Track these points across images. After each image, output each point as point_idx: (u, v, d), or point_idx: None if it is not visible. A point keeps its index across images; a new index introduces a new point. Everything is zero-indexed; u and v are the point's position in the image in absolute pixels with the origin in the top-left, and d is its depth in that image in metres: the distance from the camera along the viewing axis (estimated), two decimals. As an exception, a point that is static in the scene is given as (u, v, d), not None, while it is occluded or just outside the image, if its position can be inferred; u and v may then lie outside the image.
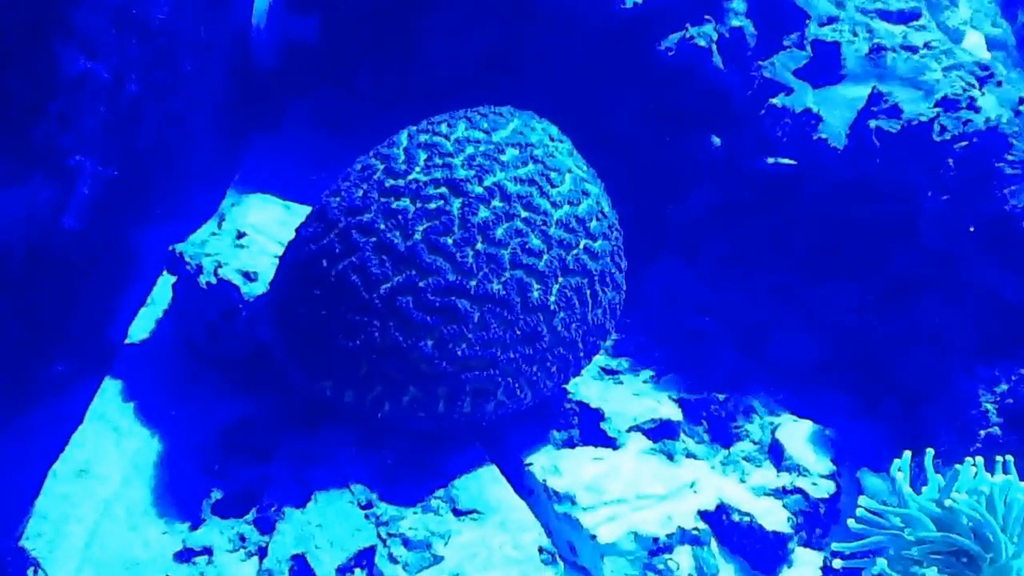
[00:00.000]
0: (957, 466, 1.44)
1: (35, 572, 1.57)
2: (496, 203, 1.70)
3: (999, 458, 1.45)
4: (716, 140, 2.13)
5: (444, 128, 1.76)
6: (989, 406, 1.68)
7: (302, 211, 2.09)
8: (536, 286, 1.68)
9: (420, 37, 2.44)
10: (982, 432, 1.65)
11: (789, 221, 2.06)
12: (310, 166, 2.47)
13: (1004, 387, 1.69)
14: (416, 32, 2.46)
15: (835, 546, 1.50)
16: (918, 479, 1.48)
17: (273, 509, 1.68)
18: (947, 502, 1.39)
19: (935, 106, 1.81)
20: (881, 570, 1.39)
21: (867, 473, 1.80)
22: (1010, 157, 1.67)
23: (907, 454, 1.47)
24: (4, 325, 1.67)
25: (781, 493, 1.79)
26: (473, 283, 1.66)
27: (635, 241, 1.95)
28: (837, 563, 1.62)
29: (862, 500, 1.48)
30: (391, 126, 1.91)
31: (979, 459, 1.43)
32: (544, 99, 2.04)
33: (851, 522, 1.47)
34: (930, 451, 1.50)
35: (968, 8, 2.56)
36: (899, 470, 1.45)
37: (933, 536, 1.40)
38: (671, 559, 1.69)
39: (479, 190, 1.70)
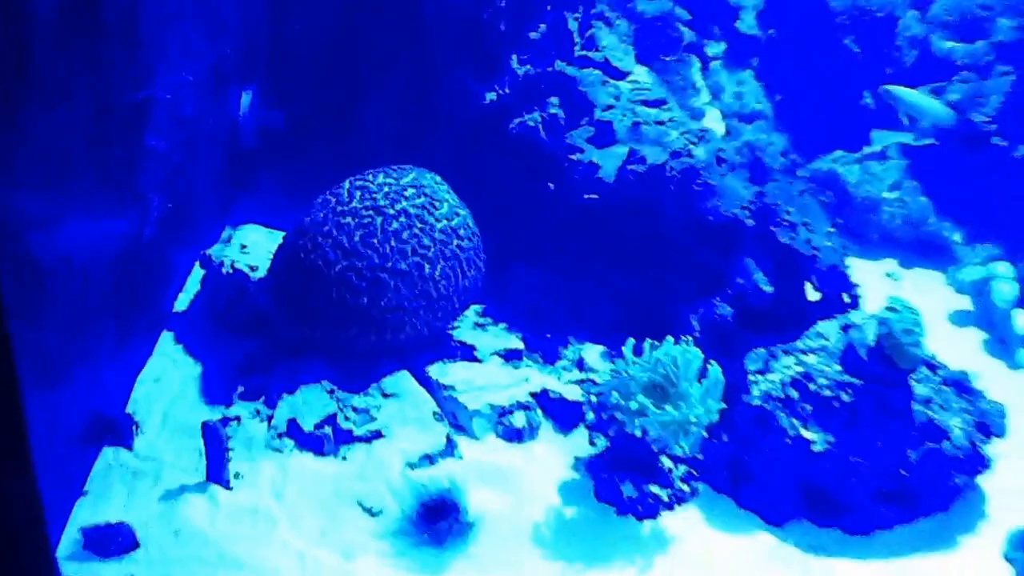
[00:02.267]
0: (658, 343, 2.63)
1: (135, 427, 2.68)
2: (402, 219, 2.89)
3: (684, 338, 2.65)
4: (559, 184, 3.34)
5: (370, 177, 2.96)
6: (694, 322, 2.89)
7: (278, 235, 3.24)
8: (427, 265, 2.88)
9: (355, 124, 3.62)
10: (690, 336, 2.85)
11: (594, 231, 3.26)
12: (278, 211, 3.63)
13: (701, 311, 2.90)
14: (352, 120, 3.64)
15: (593, 389, 2.68)
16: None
17: (275, 396, 2.82)
18: (653, 355, 2.57)
19: (668, 155, 3.05)
20: (615, 399, 2.58)
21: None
22: (699, 181, 2.91)
23: (631, 340, 2.67)
24: (113, 297, 2.79)
25: (579, 383, 2.97)
26: (390, 264, 2.85)
27: (503, 250, 3.15)
28: (593, 399, 2.79)
29: (609, 366, 2.68)
30: (335, 181, 3.09)
31: (670, 337, 2.63)
32: (440, 161, 3.24)
33: (602, 374, 2.66)
34: (648, 340, 2.69)
35: (707, 94, 3.85)
36: (625, 346, 2.65)
37: (641, 377, 2.59)
38: (511, 417, 2.86)
39: (392, 212, 2.90)
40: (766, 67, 4.55)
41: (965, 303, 3.77)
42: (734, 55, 4.50)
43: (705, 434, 2.59)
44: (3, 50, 1.91)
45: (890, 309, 2.65)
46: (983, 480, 2.87)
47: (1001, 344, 3.61)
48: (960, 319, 3.78)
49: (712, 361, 2.65)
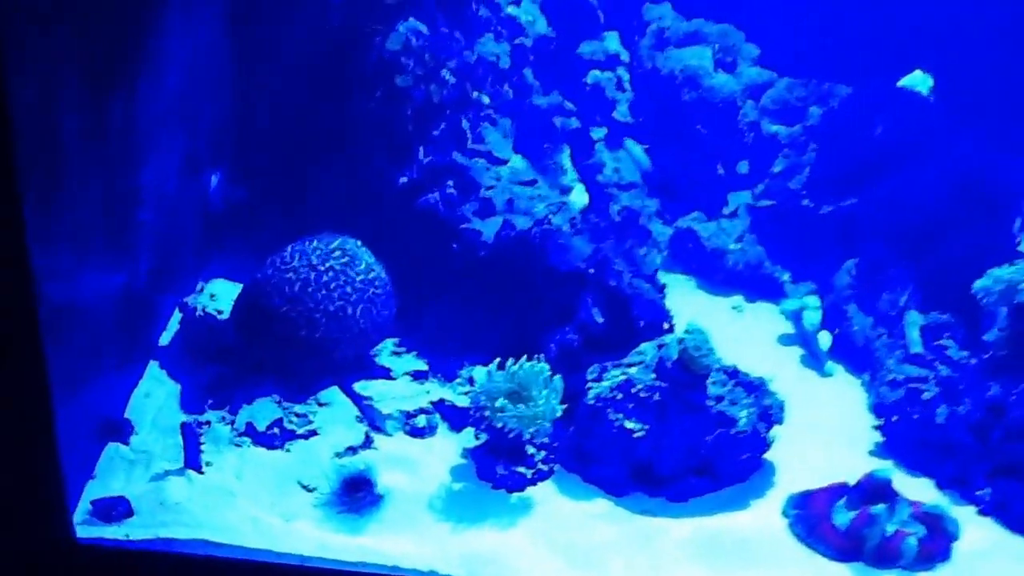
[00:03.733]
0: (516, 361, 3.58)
1: (133, 428, 3.58)
2: (330, 273, 3.83)
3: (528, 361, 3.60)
4: (455, 246, 4.29)
5: (307, 243, 3.86)
6: (552, 345, 3.84)
7: (239, 286, 4.14)
8: (349, 308, 3.82)
9: (305, 198, 4.51)
10: (543, 355, 3.78)
11: (481, 280, 4.17)
12: (242, 267, 4.50)
13: (557, 338, 3.86)
14: (303, 195, 4.53)
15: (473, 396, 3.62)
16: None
17: (237, 406, 3.75)
18: (512, 369, 3.52)
19: (532, 223, 4.03)
20: (483, 401, 3.51)
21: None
22: (553, 242, 3.88)
23: (497, 359, 3.61)
24: (114, 333, 3.69)
25: (468, 394, 3.89)
26: (321, 307, 3.79)
27: (415, 295, 4.10)
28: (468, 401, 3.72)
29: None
30: (285, 244, 4.04)
31: (528, 358, 3.58)
32: (368, 228, 4.17)
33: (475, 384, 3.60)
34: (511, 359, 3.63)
35: (574, 173, 4.86)
36: (490, 365, 3.59)
37: (503, 386, 3.53)
38: (416, 420, 3.79)
39: (322, 268, 3.83)
40: (639, 143, 5.56)
41: (789, 327, 4.72)
42: (613, 138, 5.51)
43: (549, 426, 3.51)
44: (40, 157, 2.75)
45: (687, 332, 3.61)
46: (774, 458, 3.77)
47: (813, 358, 4.56)
48: (785, 340, 4.72)
49: (558, 374, 3.60)
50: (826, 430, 4.03)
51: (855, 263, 4.78)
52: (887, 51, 5.23)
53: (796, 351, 4.67)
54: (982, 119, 5.01)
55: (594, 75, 5.43)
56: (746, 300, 5.10)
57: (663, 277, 4.96)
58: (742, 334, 4.78)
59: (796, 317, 4.73)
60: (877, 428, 4.05)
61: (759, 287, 5.12)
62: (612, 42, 5.54)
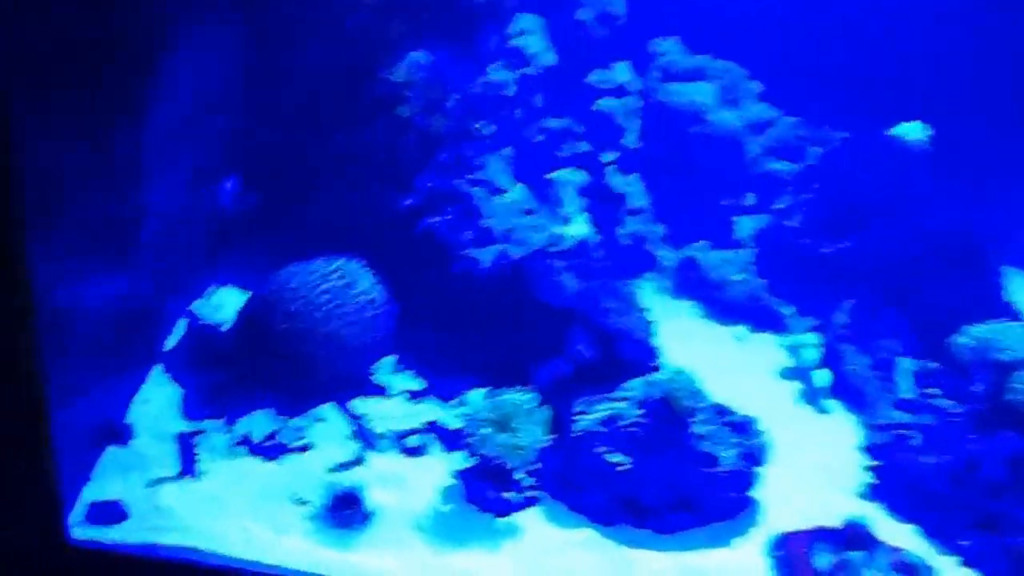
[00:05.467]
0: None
1: (132, 432, 3.66)
2: (329, 294, 3.92)
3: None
4: (455, 269, 4.34)
5: (308, 264, 3.98)
6: (544, 374, 3.91)
7: (246, 295, 4.24)
8: (345, 328, 3.90)
9: (313, 213, 4.60)
10: (532, 385, 3.85)
11: (479, 307, 4.25)
12: (251, 274, 4.57)
13: (549, 369, 3.93)
14: (311, 210, 4.62)
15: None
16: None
17: (234, 417, 3.82)
18: (498, 399, 3.59)
19: (528, 253, 4.09)
20: (469, 428, 3.58)
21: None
22: (547, 276, 3.96)
23: (486, 388, 3.68)
24: (117, 340, 3.78)
25: (462, 416, 3.96)
26: (321, 327, 3.87)
27: (416, 315, 4.17)
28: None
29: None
30: (295, 254, 4.12)
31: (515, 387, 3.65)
32: (371, 248, 4.26)
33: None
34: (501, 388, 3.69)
35: (575, 203, 4.94)
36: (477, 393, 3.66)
37: (488, 416, 3.59)
38: (409, 439, 3.86)
39: (321, 288, 3.92)
40: (647, 172, 5.63)
41: (790, 361, 4.77)
42: (623, 162, 5.58)
43: (531, 456, 3.58)
44: (45, 184, 2.86)
45: (674, 373, 3.68)
46: (763, 495, 3.80)
47: (812, 394, 4.61)
48: (786, 374, 4.77)
49: (547, 403, 3.67)
50: (818, 469, 4.08)
51: (852, 304, 4.82)
52: (888, 96, 5.30)
53: (795, 385, 4.73)
54: (972, 170, 5.10)
55: (603, 103, 5.49)
56: (749, 331, 5.16)
57: (668, 304, 5.11)
58: (743, 365, 4.86)
59: (795, 353, 4.79)
60: (867, 469, 4.08)
61: (761, 319, 5.19)
62: (622, 72, 5.60)
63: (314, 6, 4.43)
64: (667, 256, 5.49)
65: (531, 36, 5.19)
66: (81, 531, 3.31)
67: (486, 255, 4.06)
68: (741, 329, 5.17)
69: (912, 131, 5.01)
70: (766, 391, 4.58)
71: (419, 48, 4.42)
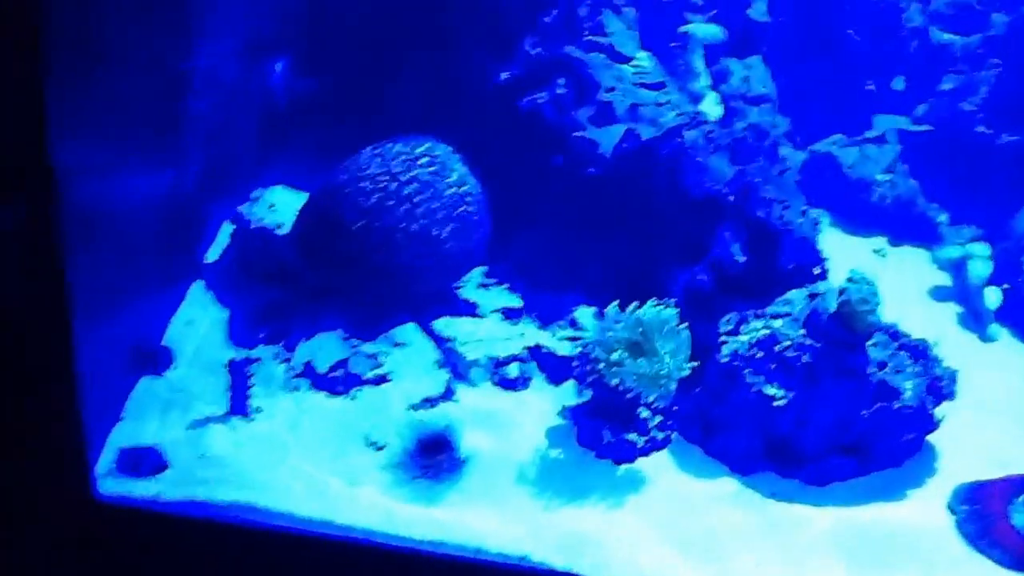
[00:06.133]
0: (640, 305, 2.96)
1: (172, 359, 3.06)
2: (415, 185, 3.24)
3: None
4: (564, 158, 3.65)
5: (388, 146, 3.30)
6: (677, 287, 3.21)
7: (304, 195, 3.58)
8: (435, 227, 3.22)
9: (384, 95, 3.91)
10: (671, 299, 3.16)
11: (594, 202, 3.58)
12: (307, 173, 3.95)
13: (684, 278, 3.22)
14: (381, 91, 3.93)
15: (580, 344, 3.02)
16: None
17: (294, 341, 3.19)
18: (635, 315, 2.91)
19: (660, 134, 3.36)
20: (597, 353, 2.91)
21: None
22: (686, 160, 3.22)
23: (615, 301, 3.00)
24: (154, 243, 3.16)
25: (571, 339, 3.31)
26: (403, 224, 3.19)
27: (511, 216, 3.48)
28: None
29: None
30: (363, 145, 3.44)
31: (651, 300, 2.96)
32: (458, 132, 3.56)
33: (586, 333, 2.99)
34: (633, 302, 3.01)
35: (707, 78, 4.15)
36: (608, 307, 2.97)
37: (622, 335, 2.92)
38: (507, 369, 3.21)
39: (405, 178, 3.24)
40: (774, 53, 4.82)
41: (946, 280, 4.04)
42: (745, 42, 4.77)
43: (674, 388, 2.92)
44: (70, 33, 2.29)
45: (850, 280, 2.95)
46: (934, 438, 3.18)
47: (975, 318, 3.90)
48: (940, 294, 4.07)
49: (685, 323, 2.98)
50: (996, 407, 3.41)
51: (1041, 207, 4.03)
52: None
53: (953, 309, 3.99)
54: None
55: (727, -41, 4.67)
56: (890, 243, 4.41)
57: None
58: (886, 285, 4.03)
59: (957, 268, 4.05)
60: (1055, 410, 3.35)
61: (909, 228, 4.41)
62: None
63: None
64: (791, 154, 4.71)
65: None
66: (111, 483, 2.73)
67: (606, 137, 3.34)
68: (881, 241, 4.41)
69: None
70: (918, 317, 3.78)
71: None
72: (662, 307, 2.94)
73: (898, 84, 4.73)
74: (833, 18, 4.72)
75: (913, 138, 4.53)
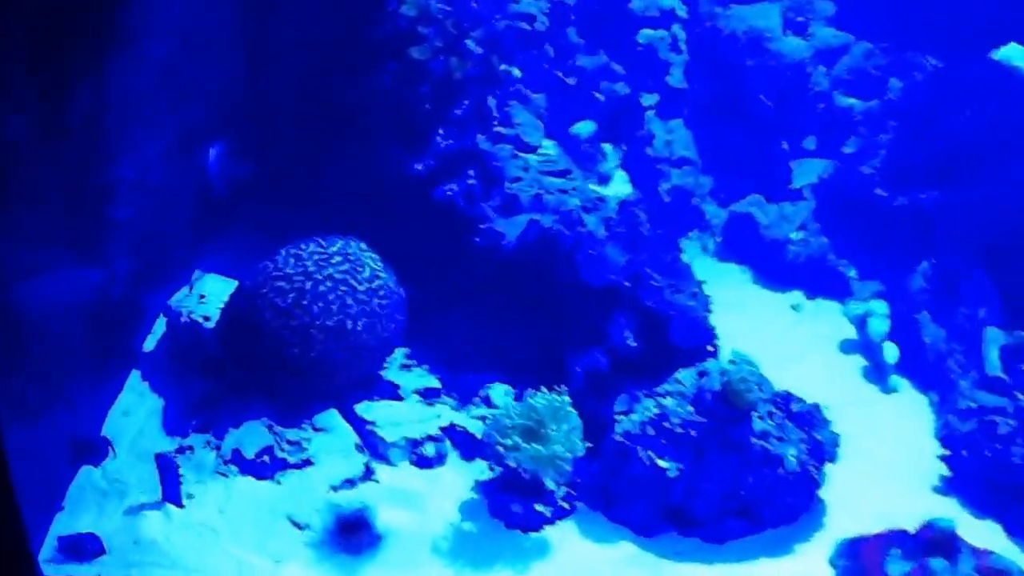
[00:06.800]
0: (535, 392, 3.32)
1: (111, 447, 3.38)
2: (329, 283, 3.59)
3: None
4: (476, 239, 3.99)
5: (303, 246, 3.65)
6: (578, 369, 3.57)
7: (234, 284, 3.92)
8: (350, 322, 3.57)
9: (317, 182, 4.22)
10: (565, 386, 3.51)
11: (503, 288, 3.90)
12: (246, 256, 4.24)
13: (584, 360, 3.59)
14: (315, 178, 4.24)
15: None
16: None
17: (223, 430, 3.53)
18: (529, 402, 3.27)
19: (562, 224, 3.73)
20: (495, 438, 3.27)
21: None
22: (585, 250, 3.59)
23: (511, 388, 3.36)
24: (87, 343, 3.49)
25: (482, 419, 3.66)
26: (318, 322, 3.55)
27: (429, 298, 3.83)
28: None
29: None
30: (301, 230, 3.76)
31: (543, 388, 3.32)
32: (379, 221, 3.92)
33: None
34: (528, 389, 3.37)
35: (615, 159, 4.54)
36: (504, 395, 3.34)
37: (518, 420, 3.28)
38: (423, 448, 3.56)
39: (320, 276, 3.59)
40: (694, 117, 5.22)
41: (852, 332, 4.43)
42: (666, 106, 5.17)
43: (568, 467, 3.28)
44: None
45: (731, 361, 3.33)
46: (826, 496, 3.53)
47: (877, 370, 4.29)
48: (849, 347, 4.46)
49: (583, 403, 3.35)
50: (886, 460, 3.78)
51: (931, 266, 4.44)
52: (984, 16, 4.75)
53: (858, 360, 4.38)
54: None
55: (646, 34, 5.07)
56: (807, 297, 4.80)
57: (716, 267, 4.72)
58: (800, 338, 4.53)
59: (860, 323, 4.41)
60: (944, 460, 3.76)
61: (822, 283, 4.81)
62: (671, -6, 5.17)
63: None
64: (715, 212, 5.12)
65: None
66: (53, 570, 3.05)
67: (512, 227, 3.69)
68: (798, 295, 4.80)
69: (1014, 54, 4.49)
70: (826, 369, 4.27)
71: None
72: (555, 394, 3.30)
73: (809, 144, 5.11)
74: (745, 84, 5.10)
75: (823, 198, 4.91)
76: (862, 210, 4.78)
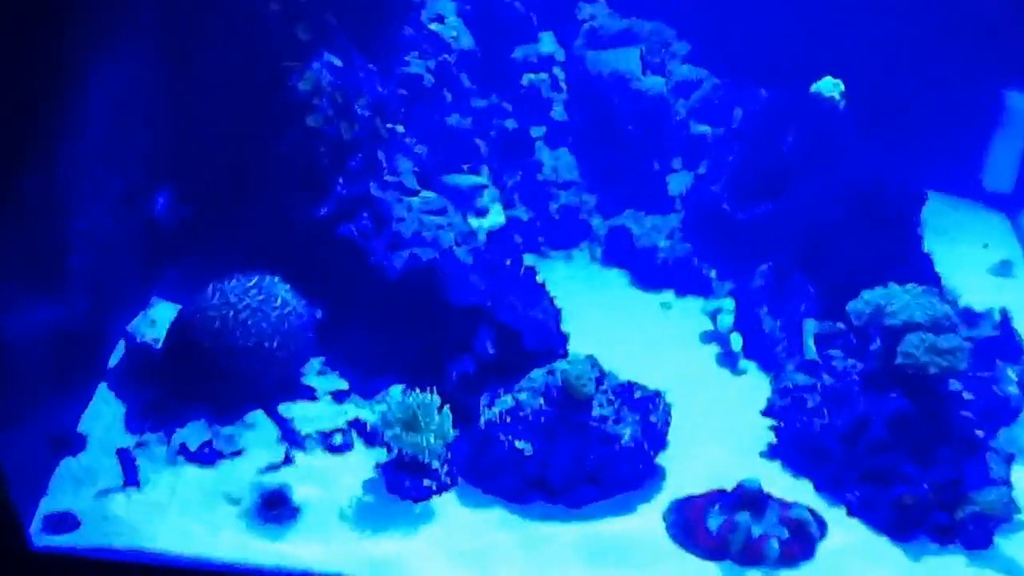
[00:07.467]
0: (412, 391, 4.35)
1: (85, 443, 4.39)
2: (247, 311, 4.59)
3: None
4: (371, 268, 4.97)
5: (226, 282, 4.60)
6: (453, 372, 4.62)
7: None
8: (266, 341, 4.60)
9: (241, 223, 5.23)
10: (435, 386, 4.55)
11: (396, 308, 4.89)
12: (192, 285, 5.22)
13: (458, 365, 4.63)
14: (240, 219, 5.26)
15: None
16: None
17: (171, 429, 4.56)
18: (406, 401, 4.30)
19: (436, 255, 4.76)
20: (381, 429, 4.30)
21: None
22: (454, 277, 4.63)
23: (397, 387, 4.40)
24: (56, 364, 4.48)
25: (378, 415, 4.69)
26: (240, 343, 4.56)
27: (338, 318, 4.85)
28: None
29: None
30: (226, 261, 4.78)
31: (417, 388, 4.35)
32: (293, 256, 4.93)
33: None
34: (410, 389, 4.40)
35: (492, 195, 5.58)
36: (389, 394, 4.37)
37: (399, 414, 4.30)
38: (333, 439, 4.57)
39: (240, 307, 4.59)
40: (577, 145, 6.25)
41: (711, 325, 5.48)
42: (552, 137, 6.19)
43: (443, 450, 4.29)
44: None
45: (568, 362, 4.36)
46: (668, 464, 4.50)
47: (728, 357, 5.33)
48: (707, 337, 5.53)
49: (457, 399, 4.37)
50: (727, 431, 4.80)
51: (768, 267, 5.46)
52: (808, 54, 5.81)
53: (714, 349, 5.48)
54: (887, 127, 5.64)
55: (528, 77, 6.08)
56: (676, 296, 5.89)
57: (600, 273, 5.77)
58: (668, 330, 5.62)
59: (713, 317, 5.46)
60: (771, 430, 4.75)
61: (688, 283, 5.89)
62: (547, 43, 6.19)
63: (220, 17, 4.91)
64: (599, 225, 6.13)
65: (449, 20, 5.77)
66: (41, 538, 4.02)
67: (396, 260, 4.70)
68: (669, 294, 5.84)
69: (827, 86, 5.54)
70: (688, 356, 5.35)
71: (331, 50, 4.92)
72: (426, 394, 4.32)
73: (677, 164, 6.16)
74: (616, 116, 6.13)
75: (687, 210, 5.95)
76: (716, 221, 5.82)
